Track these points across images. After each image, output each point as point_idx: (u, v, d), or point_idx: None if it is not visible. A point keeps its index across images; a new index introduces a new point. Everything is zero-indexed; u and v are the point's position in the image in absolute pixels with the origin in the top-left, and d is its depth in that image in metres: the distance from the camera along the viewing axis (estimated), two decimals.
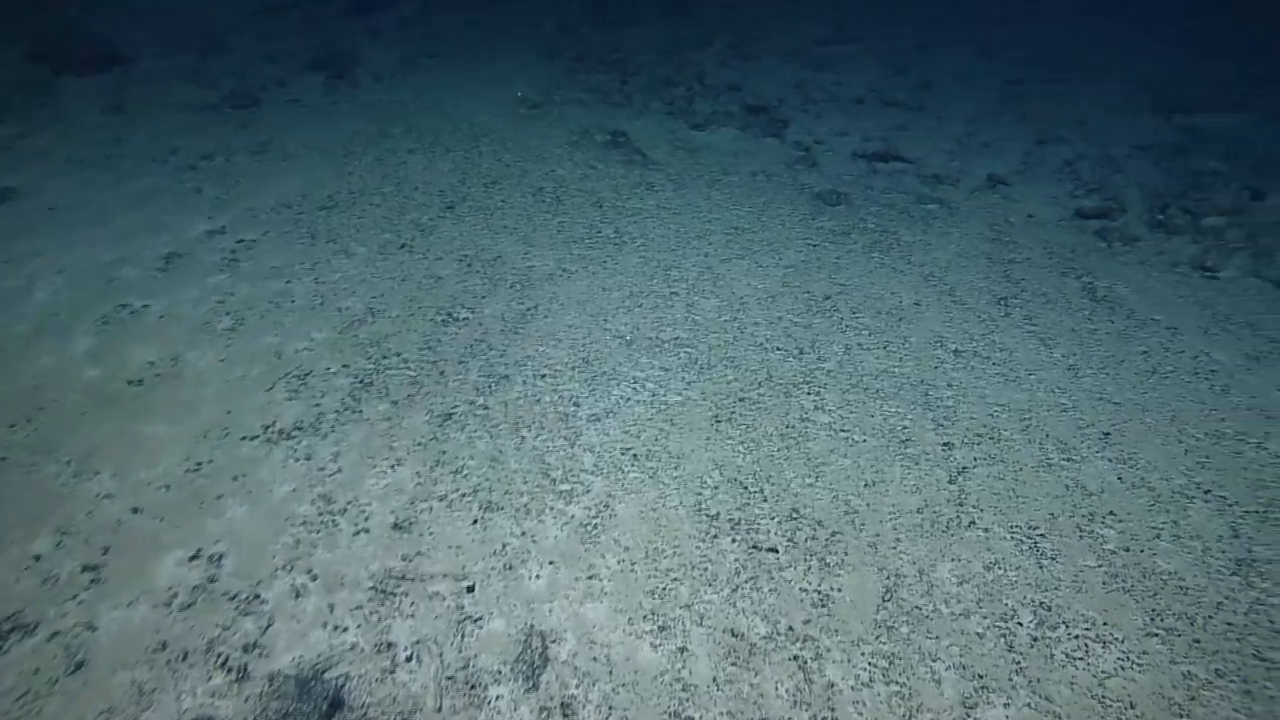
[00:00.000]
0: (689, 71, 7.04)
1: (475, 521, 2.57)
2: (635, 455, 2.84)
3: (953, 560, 2.42)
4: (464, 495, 2.67)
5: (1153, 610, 2.25)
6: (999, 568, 2.39)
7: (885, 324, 3.63)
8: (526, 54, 7.22)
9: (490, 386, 3.14)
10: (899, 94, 6.94)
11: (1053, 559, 2.42)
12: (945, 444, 2.90)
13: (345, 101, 6.01)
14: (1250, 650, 2.13)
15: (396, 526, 2.55)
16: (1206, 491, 2.69)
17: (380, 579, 2.37)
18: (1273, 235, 4.42)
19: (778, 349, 3.43)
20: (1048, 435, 2.95)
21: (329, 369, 3.19)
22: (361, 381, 3.13)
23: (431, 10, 8.38)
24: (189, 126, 5.49)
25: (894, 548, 2.47)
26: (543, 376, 3.22)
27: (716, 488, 2.71)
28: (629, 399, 3.11)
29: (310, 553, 2.44)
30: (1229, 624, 2.21)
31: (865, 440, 2.92)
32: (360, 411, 2.98)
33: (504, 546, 2.49)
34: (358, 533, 2.51)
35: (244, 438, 2.84)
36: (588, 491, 2.69)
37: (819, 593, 2.34)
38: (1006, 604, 2.27)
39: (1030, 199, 5.02)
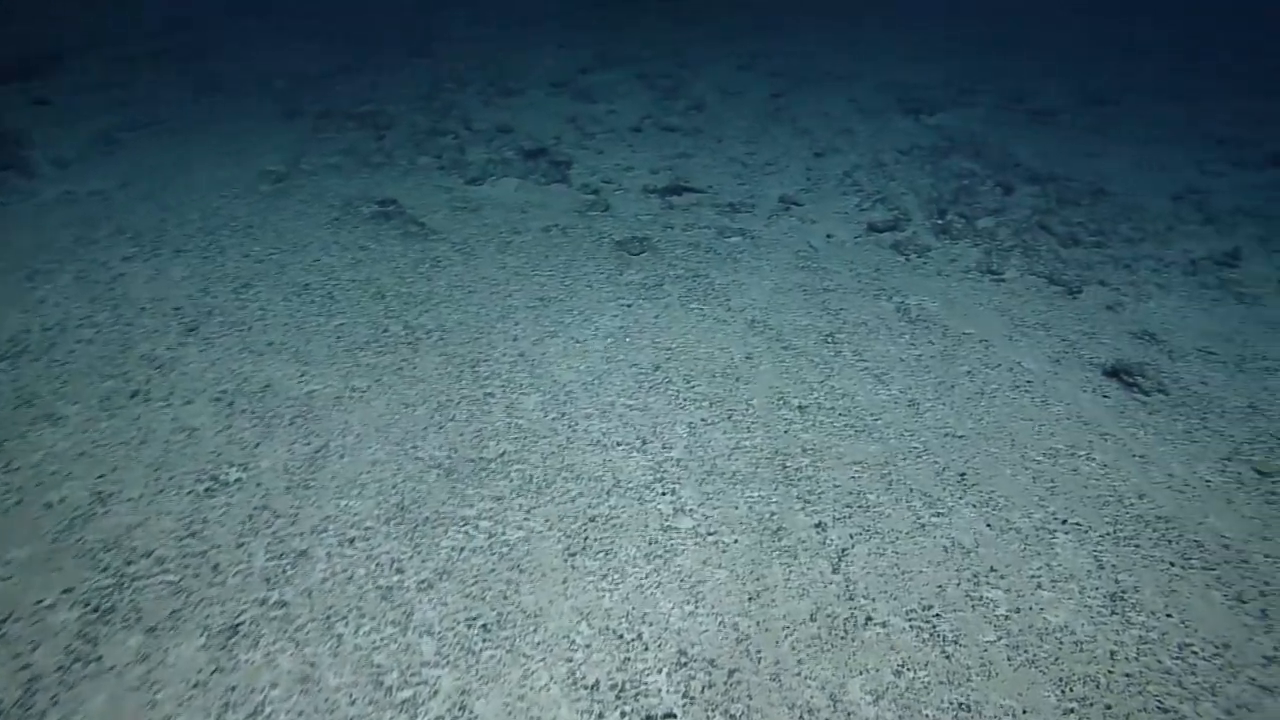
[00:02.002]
0: (453, 116, 6.57)
1: None
2: (485, 625, 2.39)
3: (861, 673, 2.25)
4: None
5: (1060, 679, 2.21)
6: (908, 669, 2.25)
7: (723, 389, 3.46)
8: (257, 115, 6.35)
9: (284, 572, 2.53)
10: (674, 118, 6.96)
11: (955, 643, 2.33)
12: (818, 525, 2.75)
13: (19, 201, 4.86)
14: (1155, 704, 2.15)
15: None
16: (1063, 521, 2.76)
17: None
18: (1032, 231, 4.87)
19: (618, 444, 3.13)
20: (911, 489, 2.91)
21: (42, 603, 2.40)
22: (96, 609, 2.39)
23: (120, 69, 7.16)
24: None
25: (798, 674, 2.25)
26: (351, 541, 2.66)
27: (588, 645, 2.34)
28: (463, 548, 2.65)
29: None
30: (1128, 675, 2.22)
31: (736, 540, 2.69)
32: (100, 658, 2.25)
33: None
34: None
35: None
36: (435, 693, 2.21)
37: None
38: (927, 715, 2.13)
39: (824, 218, 5.17)
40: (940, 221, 5.00)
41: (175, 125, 6.10)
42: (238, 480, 2.88)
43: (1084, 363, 3.67)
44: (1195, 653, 2.30)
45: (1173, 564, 2.59)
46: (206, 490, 2.82)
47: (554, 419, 3.26)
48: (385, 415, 3.23)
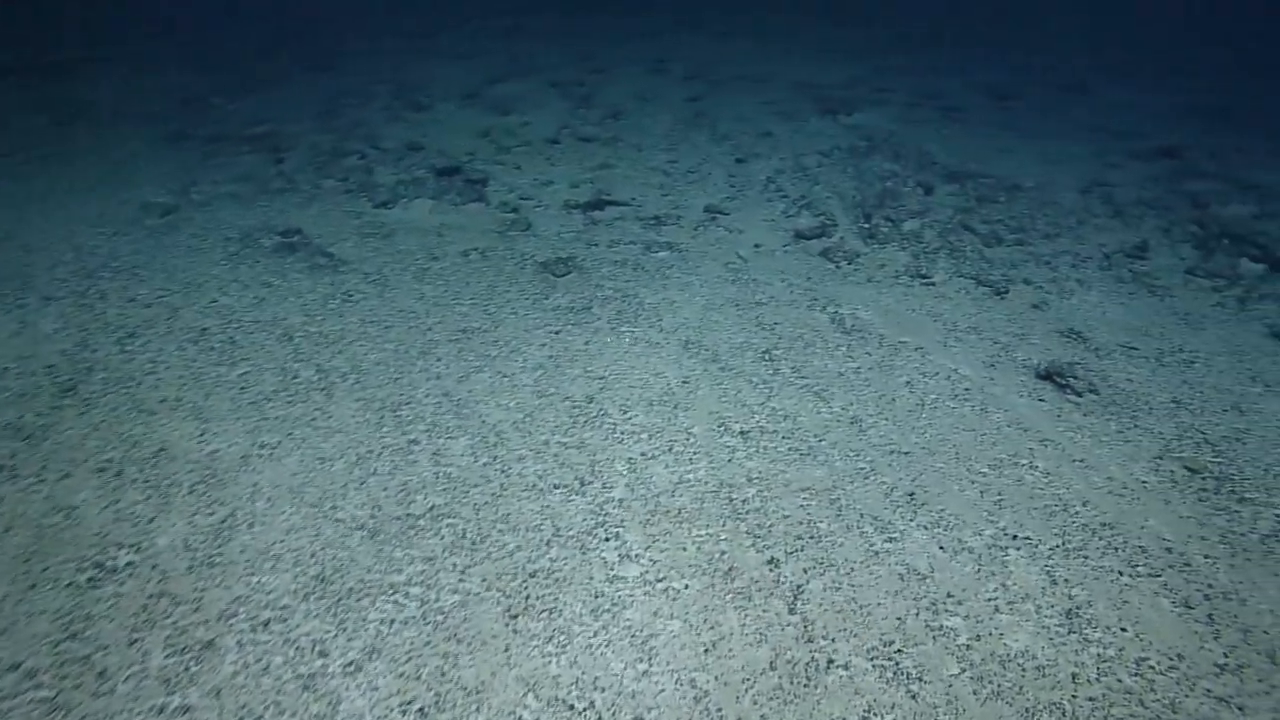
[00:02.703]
0: (357, 135, 6.25)
1: None
2: (421, 710, 2.19)
3: None
4: None
5: (1027, 710, 2.17)
6: (874, 714, 2.17)
7: (661, 418, 3.33)
8: (137, 141, 5.88)
9: (187, 670, 2.26)
10: (591, 128, 6.82)
11: (920, 680, 2.26)
12: (770, 561, 2.65)
13: None
14: None
15: None
16: (1014, 536, 2.74)
17: None
18: (956, 232, 4.93)
19: (555, 487, 2.96)
20: (861, 514, 2.84)
21: None
22: None
23: None
24: None
25: None
26: (265, 624, 2.40)
27: None
28: (393, 620, 2.43)
29: None
30: (1091, 700, 2.20)
31: (687, 586, 2.56)
32: None
33: None
34: None
35: None
36: None
37: None
38: None
39: (751, 226, 5.11)
40: (867, 225, 5.01)
41: (40, 154, 5.58)
42: (129, 564, 2.57)
43: (1018, 366, 3.70)
44: (1152, 667, 2.30)
45: (1121, 573, 2.60)
46: (90, 580, 2.51)
47: (485, 464, 3.07)
48: (299, 474, 2.97)
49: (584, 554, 2.68)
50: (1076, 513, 2.86)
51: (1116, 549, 2.70)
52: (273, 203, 5.08)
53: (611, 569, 2.63)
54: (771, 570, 2.62)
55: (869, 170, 5.88)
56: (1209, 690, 2.23)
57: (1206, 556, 2.67)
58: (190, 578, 2.54)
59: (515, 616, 2.46)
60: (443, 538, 2.73)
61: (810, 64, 9.07)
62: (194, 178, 5.33)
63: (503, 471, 3.03)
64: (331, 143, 6.05)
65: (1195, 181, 5.79)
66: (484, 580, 2.57)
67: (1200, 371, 3.69)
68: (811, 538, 2.75)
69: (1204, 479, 3.03)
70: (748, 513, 2.86)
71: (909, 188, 5.54)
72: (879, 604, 2.50)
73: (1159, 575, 2.60)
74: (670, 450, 3.16)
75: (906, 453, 3.15)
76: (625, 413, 3.36)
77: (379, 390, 3.44)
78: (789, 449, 3.17)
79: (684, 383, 3.56)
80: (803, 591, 2.54)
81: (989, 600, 2.51)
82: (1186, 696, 2.22)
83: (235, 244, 4.54)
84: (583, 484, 2.98)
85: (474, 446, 3.15)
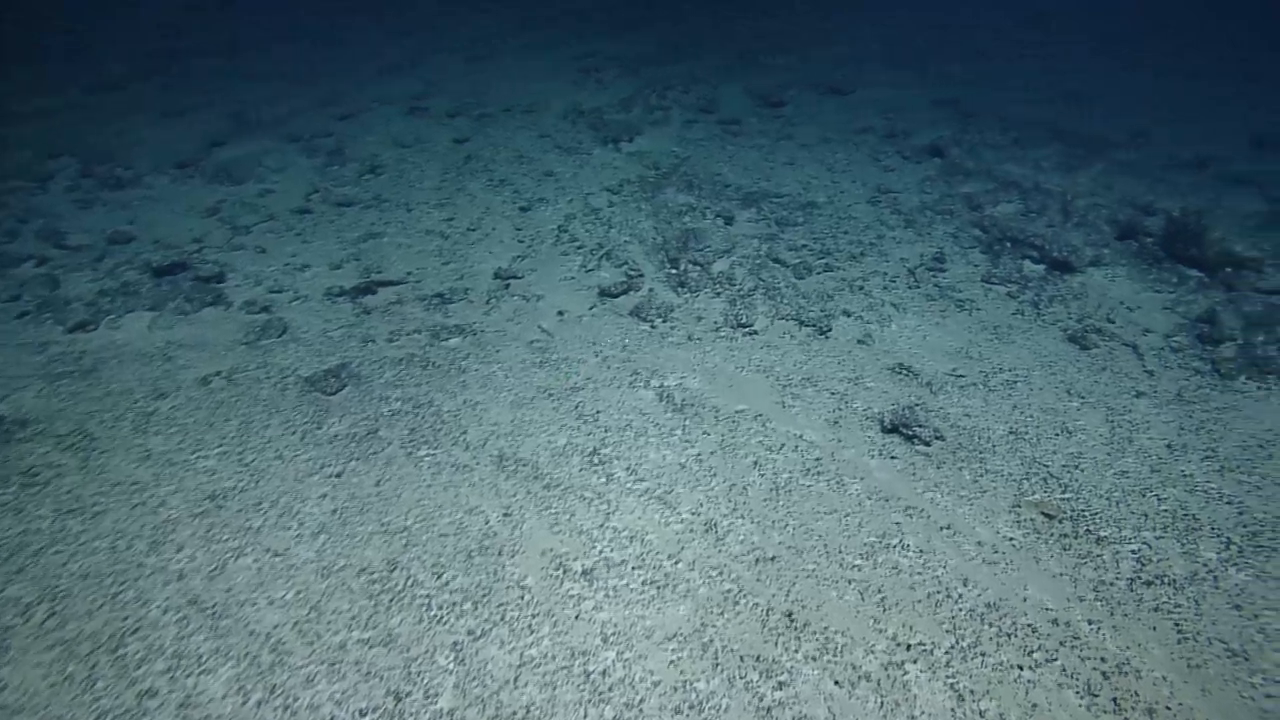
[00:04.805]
0: (31, 230, 5.02)
1: None
2: None
3: None
4: None
5: None
6: None
7: (486, 575, 2.76)
8: None
9: None
10: (348, 188, 6.02)
11: None
12: None
13: None
14: None
15: None
16: (908, 647, 2.50)
17: None
18: (767, 268, 4.78)
19: (362, 713, 2.31)
20: (741, 657, 2.47)
21: None
22: None
23: None
24: None
25: None
26: None
27: None
28: None
29: None
30: None
31: None
32: None
33: None
34: None
35: None
36: None
37: None
38: None
39: (550, 289, 4.64)
40: (675, 272, 4.72)
41: None
42: None
43: (861, 419, 3.54)
44: None
45: (1021, 668, 2.43)
46: None
47: (259, 702, 2.34)
48: None
49: None
50: (960, 596, 2.68)
51: (1009, 635, 2.54)
52: None
53: None
54: None
55: (664, 205, 5.64)
56: None
57: (1090, 622, 2.58)
58: None
59: None
60: None
61: (578, 85, 8.77)
62: None
63: (286, 708, 2.33)
64: None
65: (964, 181, 6.13)
66: None
67: (1023, 392, 3.75)
68: (692, 707, 2.33)
69: (1061, 523, 2.99)
70: (610, 688, 2.39)
71: (709, 220, 5.35)
72: None
73: (1055, 659, 2.46)
74: (503, 619, 2.61)
75: (773, 558, 2.83)
76: (439, 576, 2.76)
77: (88, 622, 2.57)
78: (643, 583, 2.74)
79: (505, 516, 3.02)
80: None
81: None
82: None
83: None
84: (399, 699, 2.36)
85: (240, 677, 2.41)
